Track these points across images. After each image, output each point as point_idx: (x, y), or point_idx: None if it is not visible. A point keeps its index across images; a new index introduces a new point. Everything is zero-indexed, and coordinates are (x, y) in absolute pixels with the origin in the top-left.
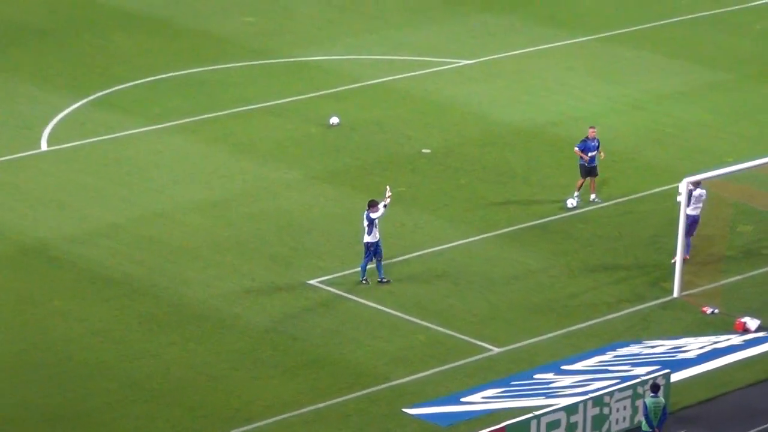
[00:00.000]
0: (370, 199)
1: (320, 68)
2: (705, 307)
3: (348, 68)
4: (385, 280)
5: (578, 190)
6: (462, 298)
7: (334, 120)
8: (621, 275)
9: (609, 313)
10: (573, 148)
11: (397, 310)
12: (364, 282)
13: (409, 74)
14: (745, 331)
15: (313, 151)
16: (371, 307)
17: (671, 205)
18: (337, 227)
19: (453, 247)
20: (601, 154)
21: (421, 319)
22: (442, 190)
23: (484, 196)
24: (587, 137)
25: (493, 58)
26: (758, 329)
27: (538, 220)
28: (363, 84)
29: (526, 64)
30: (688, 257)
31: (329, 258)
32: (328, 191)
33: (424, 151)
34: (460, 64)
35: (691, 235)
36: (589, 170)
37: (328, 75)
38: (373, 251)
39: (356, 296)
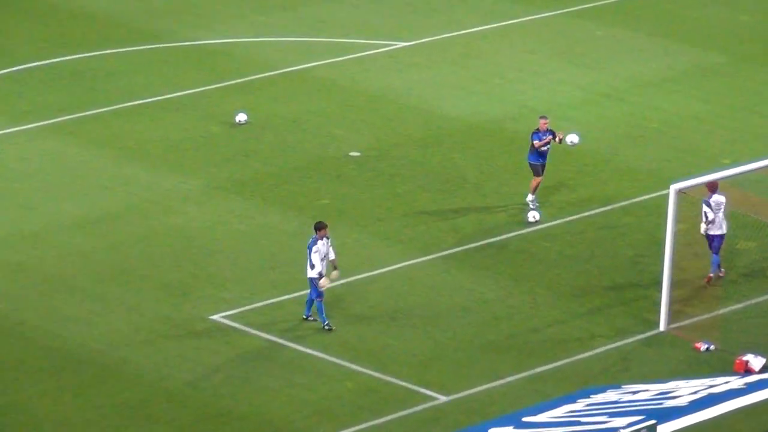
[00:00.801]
0: (317, 221)
1: (225, 53)
2: (698, 342)
3: (258, 53)
4: (311, 318)
5: (534, 193)
6: (400, 336)
7: (242, 117)
8: (595, 304)
9: (581, 352)
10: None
11: (320, 351)
12: (326, 327)
13: (333, 59)
14: (748, 372)
15: (215, 156)
16: (288, 347)
17: (656, 218)
18: (245, 249)
19: (389, 272)
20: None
21: (350, 362)
22: (374, 202)
23: (427, 209)
24: (538, 129)
25: (437, 39)
26: (763, 369)
27: (493, 237)
28: (277, 72)
29: (477, 47)
30: (723, 273)
31: (236, 288)
32: (235, 205)
33: (352, 154)
34: (397, 46)
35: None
36: (542, 167)
37: (234, 61)
38: (314, 288)
39: (270, 334)
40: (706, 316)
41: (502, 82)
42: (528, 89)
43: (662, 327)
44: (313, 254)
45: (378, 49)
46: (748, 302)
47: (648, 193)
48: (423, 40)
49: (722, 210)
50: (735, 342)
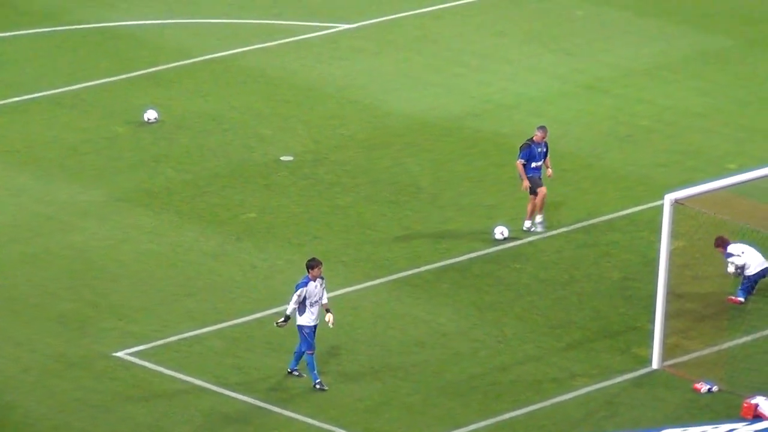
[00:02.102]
0: (309, 258)
1: (131, 38)
2: (698, 382)
3: (172, 38)
4: (296, 373)
5: (531, 217)
6: (341, 376)
7: (152, 115)
8: (575, 337)
9: (558, 394)
10: (515, 159)
11: (246, 394)
12: (317, 386)
13: (261, 45)
14: (757, 417)
15: (120, 161)
16: (208, 389)
17: (648, 234)
18: (156, 273)
19: (328, 299)
20: (549, 169)
21: (283, 407)
22: (310, 216)
23: (374, 224)
24: (532, 140)
25: (386, 21)
26: None
27: (453, 258)
28: (194, 60)
29: (434, 29)
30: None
31: (145, 318)
32: (144, 220)
33: (284, 158)
34: (338, 29)
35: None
36: (536, 181)
37: (142, 48)
38: (304, 340)
39: (186, 374)
40: (707, 351)
41: (464, 71)
42: (494, 80)
43: (655, 364)
44: (295, 295)
45: (315, 32)
46: (758, 334)
47: (638, 205)
48: (369, 22)
49: (745, 252)
50: (742, 382)
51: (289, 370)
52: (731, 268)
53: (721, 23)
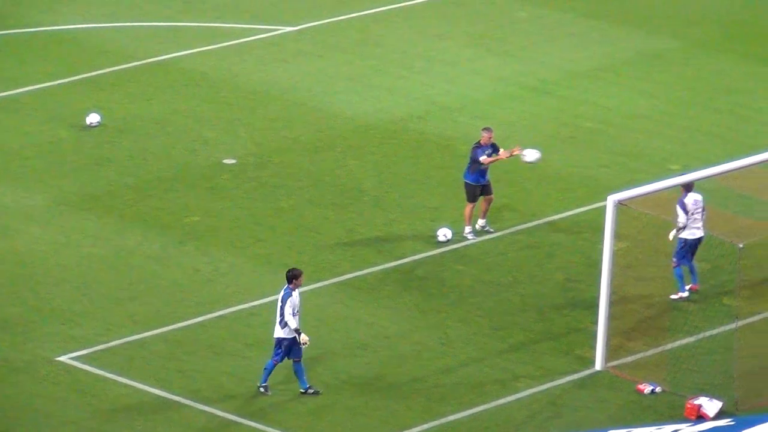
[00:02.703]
0: (291, 268)
1: (74, 42)
2: (642, 383)
3: (115, 41)
4: (311, 391)
5: (470, 222)
6: (286, 379)
7: (94, 118)
8: (518, 339)
9: (502, 396)
10: (458, 161)
11: (188, 397)
12: (261, 390)
13: (204, 48)
14: (701, 418)
15: (63, 165)
16: (151, 393)
17: (591, 235)
18: (100, 277)
19: (271, 302)
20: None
21: (225, 411)
22: (254, 219)
23: (317, 226)
24: (479, 143)
25: (329, 23)
26: (719, 416)
27: (396, 260)
28: (136, 64)
29: (377, 32)
30: (697, 287)
31: (88, 322)
32: (87, 224)
33: (227, 161)
34: (281, 31)
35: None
36: (482, 188)
37: (84, 52)
38: (287, 350)
39: (129, 379)
40: (651, 352)
41: (407, 73)
42: (438, 82)
43: (599, 365)
44: (287, 308)
45: (258, 35)
46: (701, 335)
47: (581, 206)
48: (311, 24)
49: (701, 210)
50: (685, 382)
51: (259, 386)
52: (681, 217)
53: (664, 25)
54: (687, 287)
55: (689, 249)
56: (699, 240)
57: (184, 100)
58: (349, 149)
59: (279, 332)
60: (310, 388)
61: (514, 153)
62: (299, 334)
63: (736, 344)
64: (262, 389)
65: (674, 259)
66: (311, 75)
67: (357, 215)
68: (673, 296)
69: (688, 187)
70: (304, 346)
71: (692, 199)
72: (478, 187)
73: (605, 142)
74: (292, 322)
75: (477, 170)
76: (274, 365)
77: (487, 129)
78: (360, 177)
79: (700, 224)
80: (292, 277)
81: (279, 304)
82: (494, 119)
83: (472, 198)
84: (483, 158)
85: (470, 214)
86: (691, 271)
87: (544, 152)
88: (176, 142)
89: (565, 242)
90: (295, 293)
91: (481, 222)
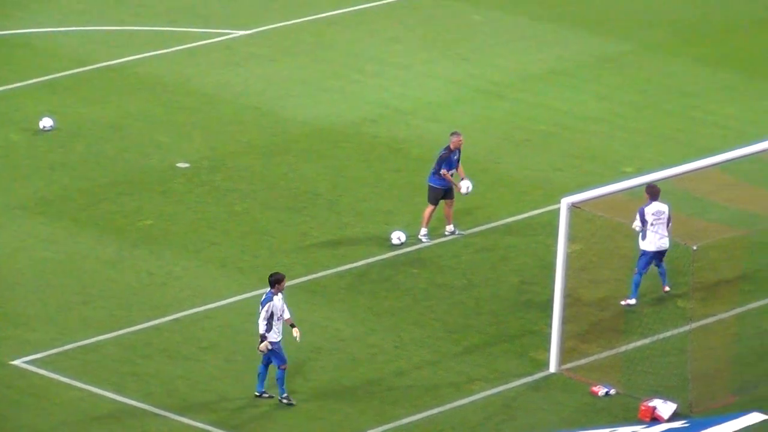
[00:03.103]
0: (273, 272)
1: (27, 46)
2: (596, 386)
3: (67, 45)
4: (286, 401)
5: (427, 224)
6: (238, 381)
7: (47, 122)
8: (473, 342)
9: (456, 399)
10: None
11: (143, 401)
12: (265, 395)
13: (157, 52)
14: (655, 419)
15: (15, 169)
16: (105, 397)
17: (545, 238)
18: (53, 281)
19: (226, 305)
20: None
21: (180, 414)
22: (207, 222)
23: (271, 230)
24: (449, 149)
25: (282, 27)
26: (673, 418)
27: (350, 263)
28: (89, 68)
29: (330, 35)
30: (667, 288)
31: (42, 327)
32: (40, 228)
33: (180, 165)
34: (234, 35)
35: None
36: (445, 192)
37: (36, 55)
38: (275, 353)
39: (83, 382)
40: (605, 354)
41: (360, 77)
42: (391, 85)
43: (553, 368)
44: (263, 311)
45: (211, 39)
46: (655, 337)
47: (535, 209)
48: (265, 28)
49: (665, 220)
50: (639, 385)
51: (257, 394)
52: (636, 223)
53: (618, 28)
54: (666, 289)
55: (649, 260)
56: (662, 252)
57: (138, 104)
58: (303, 153)
59: (273, 336)
60: (286, 397)
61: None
62: (262, 340)
63: (690, 346)
64: (266, 395)
65: (636, 267)
66: (264, 79)
67: (311, 219)
68: (622, 302)
69: (653, 196)
70: (259, 353)
71: (655, 209)
72: (442, 190)
73: (559, 145)
74: (261, 327)
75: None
76: (283, 371)
77: (455, 133)
78: (313, 180)
79: (664, 234)
80: (275, 282)
81: (258, 307)
82: (448, 122)
83: (434, 201)
84: (443, 171)
85: (429, 217)
86: (661, 274)
87: (497, 156)
88: (130, 146)
89: (519, 245)
90: (277, 298)
91: (449, 228)
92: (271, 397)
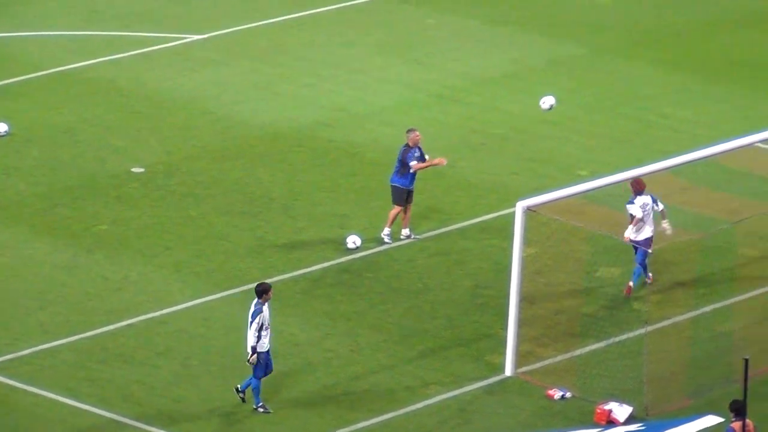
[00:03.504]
0: (259, 283)
1: None
2: (551, 389)
3: (20, 50)
4: (262, 410)
5: (391, 224)
6: (196, 386)
7: (2, 127)
8: (428, 346)
9: (412, 403)
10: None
11: (98, 406)
12: (260, 410)
13: (111, 57)
14: (611, 423)
15: None
16: (61, 402)
17: (500, 241)
18: (9, 286)
19: (181, 310)
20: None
21: (136, 419)
22: (162, 227)
23: (227, 234)
24: (407, 145)
25: (236, 31)
26: (629, 421)
27: (306, 267)
28: (43, 73)
29: (284, 39)
30: (650, 280)
31: None
32: None
33: (135, 170)
34: (188, 40)
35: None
36: (408, 194)
37: None
38: (264, 364)
39: (39, 387)
40: (560, 357)
41: (315, 81)
42: (346, 90)
43: (509, 371)
44: (254, 323)
45: (165, 43)
46: (610, 340)
47: (490, 212)
48: (219, 33)
49: (650, 213)
50: (595, 388)
51: (254, 407)
52: (629, 218)
53: (571, 31)
54: (628, 284)
55: (644, 251)
56: (645, 240)
57: (92, 109)
58: (258, 157)
59: (254, 345)
60: (262, 406)
61: (440, 163)
62: (253, 353)
63: (645, 349)
64: (260, 409)
65: (637, 261)
66: (219, 83)
67: (266, 223)
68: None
69: (638, 189)
70: (249, 365)
71: (642, 201)
72: (405, 190)
73: (514, 148)
74: (251, 339)
75: (406, 174)
76: (257, 378)
77: (412, 130)
78: (268, 185)
79: (649, 226)
80: (262, 292)
81: (249, 319)
82: (403, 126)
83: (399, 201)
84: (413, 164)
85: (394, 217)
86: (636, 272)
87: (452, 160)
88: (84, 151)
89: (474, 249)
90: (265, 308)
91: (405, 231)
92: (243, 400)
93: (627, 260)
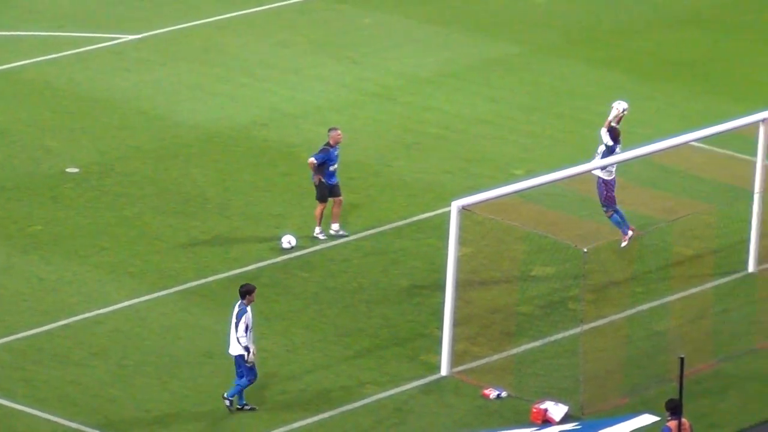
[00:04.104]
0: (245, 284)
1: None
2: (487, 388)
3: None
4: (248, 407)
5: (320, 222)
6: (130, 386)
7: None
8: (364, 345)
9: (347, 402)
10: (308, 159)
11: (34, 407)
12: (247, 409)
13: (45, 57)
14: (547, 422)
15: None
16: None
17: (436, 241)
18: None
19: (116, 310)
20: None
21: (70, 419)
22: (97, 227)
23: (162, 234)
24: (328, 144)
25: (171, 31)
26: (564, 420)
27: (241, 267)
28: None
29: (219, 39)
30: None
31: None
32: None
33: (70, 170)
34: (122, 40)
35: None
36: (330, 189)
37: None
38: (250, 367)
39: None
40: (496, 357)
41: (250, 81)
42: (281, 89)
43: (444, 371)
44: (241, 325)
45: (100, 43)
46: (546, 340)
47: (426, 212)
48: (154, 32)
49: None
50: (531, 387)
51: (238, 407)
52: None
53: (506, 30)
54: (627, 228)
55: (606, 191)
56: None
57: (26, 109)
58: (193, 157)
59: (239, 349)
60: (246, 404)
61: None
62: (248, 352)
63: (581, 348)
64: (247, 407)
65: (604, 209)
66: (154, 83)
67: (201, 223)
68: (623, 243)
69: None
70: (248, 365)
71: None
72: (327, 186)
73: (449, 147)
74: (244, 340)
75: (324, 171)
76: (249, 382)
77: (334, 128)
78: (203, 185)
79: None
80: (246, 293)
81: (234, 320)
82: (339, 125)
83: (322, 198)
84: (311, 161)
85: (321, 214)
86: (621, 216)
87: (388, 159)
88: (19, 151)
89: (410, 248)
90: (249, 309)
91: (334, 227)
92: (253, 408)
93: (561, 259)
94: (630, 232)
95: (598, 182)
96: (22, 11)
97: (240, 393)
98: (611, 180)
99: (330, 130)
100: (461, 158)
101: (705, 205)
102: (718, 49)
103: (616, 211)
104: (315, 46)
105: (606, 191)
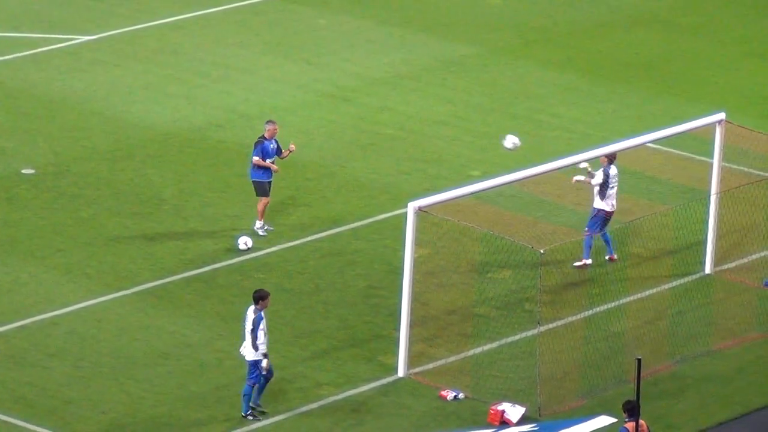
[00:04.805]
0: (258, 290)
1: None
2: (445, 390)
3: None
4: (260, 409)
5: (263, 218)
6: (87, 388)
7: None
8: (321, 347)
9: (304, 404)
10: (252, 159)
11: None
12: (249, 418)
13: (0, 58)
14: (504, 423)
15: None
16: None
17: (392, 242)
18: None
19: (72, 312)
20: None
21: (27, 421)
22: (53, 228)
23: (118, 235)
24: (263, 137)
25: (126, 32)
26: (522, 421)
27: (197, 268)
28: None
29: (174, 40)
30: (615, 257)
31: None
32: None
33: (25, 171)
34: (77, 41)
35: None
36: (269, 185)
37: None
38: (261, 371)
39: None
40: (453, 358)
41: (205, 82)
42: (236, 90)
43: (401, 372)
44: (260, 332)
45: (55, 44)
46: (503, 341)
47: (382, 213)
48: (109, 33)
49: (616, 185)
50: (488, 389)
51: (248, 413)
52: (598, 177)
53: (462, 31)
54: (606, 257)
55: (602, 220)
56: (612, 213)
57: None
58: (148, 158)
59: (253, 354)
60: (251, 413)
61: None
62: (266, 358)
63: (538, 350)
64: (249, 417)
65: (586, 228)
66: (109, 84)
67: (157, 224)
68: (577, 263)
69: (611, 159)
70: (264, 372)
71: (614, 171)
72: (268, 182)
73: (405, 148)
74: (262, 347)
75: (261, 167)
76: (251, 388)
77: (270, 122)
78: (159, 186)
79: (614, 198)
80: (259, 298)
81: (249, 326)
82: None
83: (262, 193)
84: (255, 159)
85: (263, 210)
86: (607, 242)
87: (343, 160)
88: None
89: (366, 249)
90: (263, 314)
91: (258, 224)
92: (263, 412)
93: (518, 260)
94: (589, 261)
95: (595, 213)
96: None
97: (248, 400)
98: (612, 212)
99: (266, 123)
100: (417, 159)
101: (662, 207)
102: (674, 50)
103: (603, 235)
104: (270, 47)
105: (602, 224)
